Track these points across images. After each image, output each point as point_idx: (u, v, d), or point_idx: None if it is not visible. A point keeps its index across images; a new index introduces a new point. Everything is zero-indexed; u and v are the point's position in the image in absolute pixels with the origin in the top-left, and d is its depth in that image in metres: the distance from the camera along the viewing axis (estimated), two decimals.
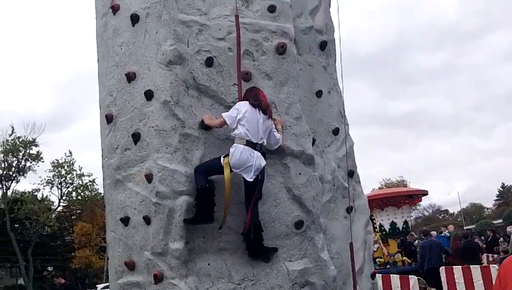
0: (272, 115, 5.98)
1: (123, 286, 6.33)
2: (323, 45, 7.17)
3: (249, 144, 5.70)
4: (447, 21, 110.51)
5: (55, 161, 49.72)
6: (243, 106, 5.83)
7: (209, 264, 5.93)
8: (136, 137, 6.27)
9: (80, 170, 50.74)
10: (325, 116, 7.08)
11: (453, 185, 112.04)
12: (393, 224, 22.21)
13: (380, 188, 54.45)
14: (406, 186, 52.31)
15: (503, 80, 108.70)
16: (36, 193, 51.64)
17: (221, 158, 5.77)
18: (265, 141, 5.86)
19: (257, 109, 5.83)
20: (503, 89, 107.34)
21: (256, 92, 6.00)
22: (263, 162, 5.76)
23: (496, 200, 73.07)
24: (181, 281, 5.79)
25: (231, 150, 5.72)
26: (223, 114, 5.88)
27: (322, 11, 7.32)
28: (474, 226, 42.29)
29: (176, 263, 5.84)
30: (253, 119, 5.77)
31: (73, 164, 50.46)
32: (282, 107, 6.29)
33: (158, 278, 5.86)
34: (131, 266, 6.22)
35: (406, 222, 22.87)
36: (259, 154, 5.75)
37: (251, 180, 5.68)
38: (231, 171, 5.70)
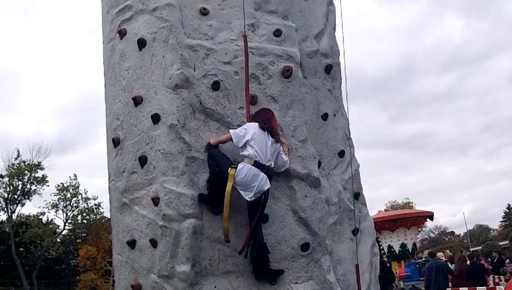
0: (279, 139, 6.02)
1: None
2: (328, 68, 7.23)
3: (257, 164, 5.74)
4: (453, 44, 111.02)
5: (60, 184, 49.74)
6: (252, 128, 5.88)
7: (215, 287, 5.94)
8: (142, 160, 6.31)
9: (85, 193, 50.74)
10: (331, 138, 7.11)
11: (458, 207, 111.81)
12: (403, 245, 22.17)
13: (385, 210, 54.25)
14: (412, 208, 52.08)
15: (509, 102, 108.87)
16: (41, 217, 51.57)
17: (229, 168, 5.79)
18: (272, 163, 5.90)
19: (266, 132, 5.88)
20: (509, 111, 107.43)
21: (269, 116, 6.03)
22: (267, 186, 5.78)
23: (501, 221, 72.61)
24: None
25: (239, 166, 5.76)
26: (231, 130, 5.93)
27: (327, 35, 7.39)
28: (480, 247, 41.98)
29: (182, 285, 5.85)
30: (262, 141, 5.82)
31: (78, 187, 50.44)
32: (288, 130, 6.33)
33: None
34: (137, 289, 6.22)
35: (414, 244, 22.85)
36: (265, 176, 5.78)
37: (249, 199, 5.71)
38: (233, 187, 5.73)
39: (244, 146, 5.83)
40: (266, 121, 5.94)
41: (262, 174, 5.74)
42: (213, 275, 5.95)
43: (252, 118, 6.06)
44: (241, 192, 5.73)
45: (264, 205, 5.83)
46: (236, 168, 5.74)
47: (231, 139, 5.90)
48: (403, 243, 22.73)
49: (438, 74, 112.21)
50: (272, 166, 5.92)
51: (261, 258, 5.86)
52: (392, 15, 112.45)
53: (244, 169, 5.73)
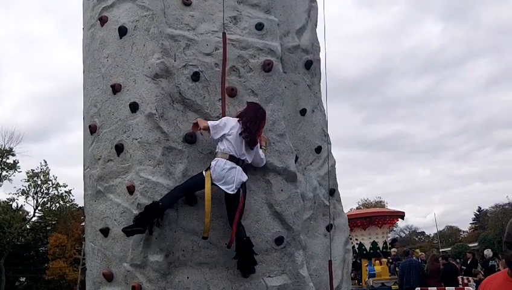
0: (254, 146, 5.96)
1: None
2: (308, 64, 7.25)
3: (232, 158, 5.76)
4: (430, 48, 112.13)
5: (31, 171, 49.21)
6: (232, 122, 5.88)
7: (188, 277, 5.93)
8: (119, 149, 6.27)
9: (55, 179, 50.26)
10: (308, 134, 7.14)
11: (430, 208, 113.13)
12: (374, 243, 22.39)
13: (357, 208, 54.68)
14: (383, 207, 52.57)
15: (483, 108, 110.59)
16: (11, 203, 50.99)
17: (203, 172, 5.80)
18: (247, 158, 5.91)
19: (242, 138, 5.85)
20: (483, 116, 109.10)
21: (256, 122, 5.94)
22: (244, 177, 5.81)
23: (471, 223, 73.67)
24: None
25: (212, 163, 5.77)
26: (209, 122, 5.91)
27: (309, 31, 7.41)
28: (449, 248, 42.62)
29: (155, 275, 5.84)
30: (238, 138, 5.83)
31: (48, 173, 49.95)
32: (267, 124, 6.32)
33: None
34: (109, 277, 6.20)
35: (385, 242, 23.08)
36: (241, 169, 5.80)
37: (232, 192, 5.72)
38: (212, 184, 5.73)
39: (220, 140, 5.83)
40: (247, 128, 5.85)
41: (238, 167, 5.76)
42: (186, 265, 5.94)
43: (246, 108, 6.05)
44: (222, 188, 5.72)
45: (245, 197, 5.83)
46: (209, 168, 5.75)
47: (207, 129, 5.87)
48: (374, 241, 22.94)
49: (415, 77, 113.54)
50: (248, 161, 5.93)
51: (248, 251, 5.85)
52: (372, 17, 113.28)
53: (219, 163, 5.74)
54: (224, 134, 5.80)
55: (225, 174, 5.70)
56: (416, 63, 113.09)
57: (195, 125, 6.00)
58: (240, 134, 5.82)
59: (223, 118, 5.98)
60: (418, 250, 26.74)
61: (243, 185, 5.81)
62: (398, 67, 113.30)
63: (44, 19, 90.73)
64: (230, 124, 5.86)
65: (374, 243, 22.95)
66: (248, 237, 5.87)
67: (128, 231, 5.75)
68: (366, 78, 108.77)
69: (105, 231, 6.32)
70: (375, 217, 23.37)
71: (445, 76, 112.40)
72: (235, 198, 5.77)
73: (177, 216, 5.92)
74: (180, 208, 5.95)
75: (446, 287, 14.13)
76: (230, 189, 5.71)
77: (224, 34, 6.26)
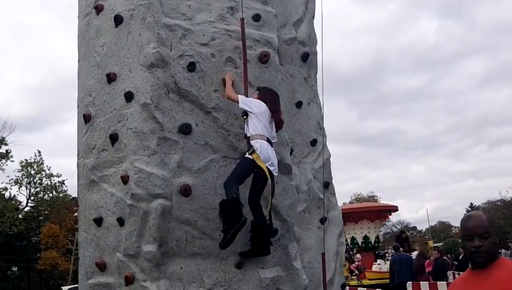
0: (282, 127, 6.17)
1: (93, 287, 6.29)
2: (305, 57, 7.23)
3: (267, 140, 5.81)
4: (425, 45, 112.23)
5: (24, 161, 49.09)
6: (262, 105, 5.92)
7: (181, 268, 5.93)
8: (113, 138, 6.24)
9: (48, 169, 50.17)
10: (304, 127, 7.13)
11: (422, 204, 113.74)
12: (366, 238, 22.47)
13: (350, 203, 54.84)
14: (376, 201, 52.74)
15: (476, 105, 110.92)
16: (4, 192, 50.84)
17: (249, 156, 5.76)
18: (275, 140, 6.00)
19: (273, 121, 5.97)
20: (476, 113, 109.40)
21: (278, 103, 6.10)
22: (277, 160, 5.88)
23: None
24: (152, 284, 5.78)
25: (256, 145, 5.74)
26: (240, 96, 5.92)
27: (306, 23, 7.38)
28: (441, 244, 42.75)
29: (148, 265, 5.82)
30: (267, 119, 5.90)
31: (42, 163, 49.85)
32: None
33: (129, 280, 5.84)
34: (102, 267, 6.18)
35: (377, 237, 23.17)
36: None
37: (276, 174, 5.81)
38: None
39: (252, 121, 5.83)
40: (275, 111, 5.98)
41: (272, 148, 5.83)
42: (179, 256, 5.93)
43: (260, 94, 6.09)
44: (271, 169, 5.73)
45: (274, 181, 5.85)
46: (254, 151, 5.72)
47: (236, 102, 5.89)
48: (365, 235, 23.00)
49: (410, 73, 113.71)
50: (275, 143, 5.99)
51: (265, 236, 5.85)
52: (368, 13, 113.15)
53: (263, 144, 5.74)
54: (257, 111, 5.82)
55: (271, 154, 5.73)
56: (411, 59, 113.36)
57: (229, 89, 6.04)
58: (272, 119, 5.91)
59: (256, 99, 5.99)
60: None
61: None
62: (393, 64, 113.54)
63: (40, 8, 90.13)
64: (261, 106, 5.89)
65: (366, 237, 23.02)
66: (269, 223, 5.85)
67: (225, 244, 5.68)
68: (361, 73, 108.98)
69: (98, 221, 6.29)
70: (368, 211, 23.44)
71: (440, 73, 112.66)
72: (263, 180, 5.77)
73: (171, 207, 5.90)
74: (174, 198, 5.92)
75: (437, 282, 14.19)
76: (275, 170, 5.77)
77: (242, 19, 6.26)
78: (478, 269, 3.36)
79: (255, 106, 5.89)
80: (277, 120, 6.02)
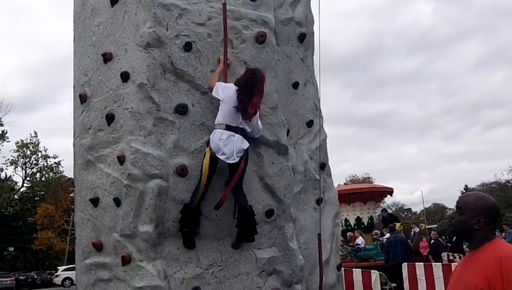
0: (251, 118, 5.92)
1: (90, 267, 6.30)
2: (302, 37, 7.19)
3: (229, 128, 5.72)
4: (421, 27, 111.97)
5: (20, 141, 49.01)
6: (230, 90, 5.85)
7: (178, 248, 5.94)
8: (110, 118, 6.22)
9: (44, 151, 50.12)
10: (300, 108, 7.12)
11: (417, 185, 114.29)
12: (358, 219, 22.53)
13: (345, 184, 54.95)
14: (371, 183, 52.85)
15: (472, 88, 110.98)
16: None
17: (206, 148, 5.79)
18: (246, 128, 5.87)
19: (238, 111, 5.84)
20: (471, 96, 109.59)
21: (248, 91, 5.86)
22: (245, 145, 5.77)
23: None
24: (149, 264, 5.79)
25: (211, 135, 5.75)
26: (218, 83, 5.94)
27: (303, 3, 7.33)
28: (435, 225, 42.96)
29: (144, 245, 5.83)
30: (233, 105, 5.80)
31: (38, 144, 49.81)
32: None
33: (126, 260, 5.85)
34: (98, 247, 6.19)
35: (371, 218, 23.21)
36: (241, 137, 5.76)
37: (233, 161, 5.69)
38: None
39: (219, 107, 5.85)
40: (241, 101, 5.80)
41: (237, 135, 5.72)
42: (176, 236, 5.93)
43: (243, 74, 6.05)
44: (222, 158, 5.67)
45: (245, 163, 5.79)
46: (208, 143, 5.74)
47: (212, 89, 5.95)
48: (358, 216, 23.02)
49: (405, 55, 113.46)
50: (248, 130, 5.90)
51: (250, 219, 5.85)
52: None
53: (215, 134, 5.71)
54: (222, 100, 5.81)
55: (222, 144, 5.66)
56: (407, 41, 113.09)
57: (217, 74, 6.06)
58: (235, 107, 5.79)
59: (229, 84, 5.96)
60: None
61: (245, 152, 5.76)
62: (389, 46, 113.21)
63: None
64: (228, 91, 5.84)
65: (358, 219, 23.07)
66: (250, 206, 5.86)
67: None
68: (356, 55, 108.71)
69: (95, 201, 6.29)
70: (362, 193, 23.44)
71: (435, 55, 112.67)
72: (235, 165, 5.73)
73: (167, 187, 5.90)
74: (171, 179, 5.92)
75: (432, 263, 14.29)
76: (231, 159, 5.67)
77: (224, 4, 6.17)
78: (472, 249, 3.41)
79: (224, 91, 5.85)
80: (241, 109, 5.79)
